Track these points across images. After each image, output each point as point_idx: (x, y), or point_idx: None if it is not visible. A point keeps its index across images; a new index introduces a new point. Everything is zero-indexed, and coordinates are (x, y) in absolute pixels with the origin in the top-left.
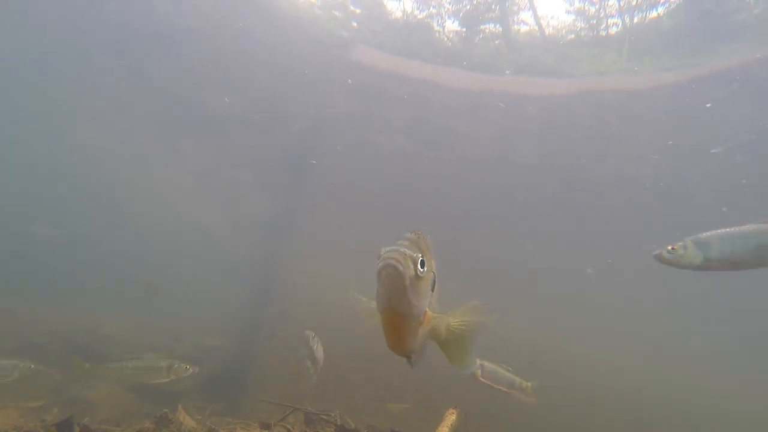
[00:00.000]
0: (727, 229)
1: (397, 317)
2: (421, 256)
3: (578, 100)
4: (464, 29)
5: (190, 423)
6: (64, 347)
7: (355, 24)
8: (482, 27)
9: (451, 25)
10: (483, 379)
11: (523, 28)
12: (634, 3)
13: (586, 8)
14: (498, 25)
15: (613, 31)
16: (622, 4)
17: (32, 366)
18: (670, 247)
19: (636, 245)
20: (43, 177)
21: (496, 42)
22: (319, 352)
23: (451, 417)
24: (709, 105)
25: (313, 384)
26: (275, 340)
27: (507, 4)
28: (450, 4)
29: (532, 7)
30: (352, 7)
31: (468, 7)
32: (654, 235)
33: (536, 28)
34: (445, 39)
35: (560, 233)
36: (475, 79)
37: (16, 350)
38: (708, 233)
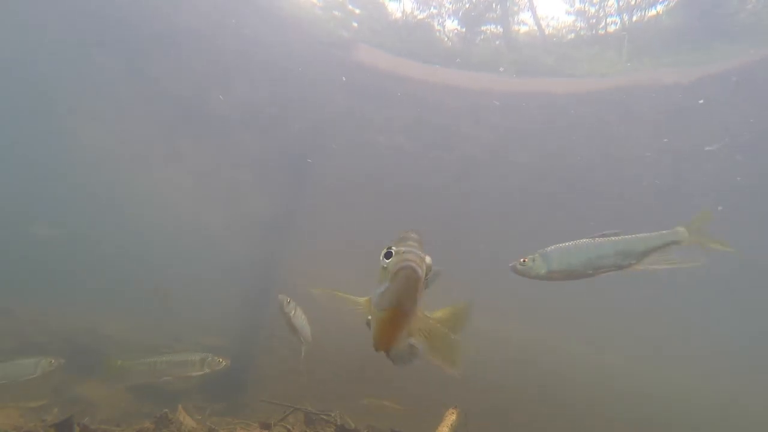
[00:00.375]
0: (566, 244)
1: (401, 316)
2: (428, 258)
3: (578, 100)
4: (464, 29)
5: (190, 423)
6: (64, 347)
7: (355, 24)
8: (482, 27)
9: (451, 25)
10: None
11: (523, 28)
12: (633, 2)
13: (586, 8)
14: (498, 26)
15: (612, 29)
16: (621, 3)
17: (53, 361)
18: (522, 260)
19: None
20: (43, 177)
21: (496, 42)
22: (299, 320)
23: (451, 417)
24: (701, 101)
25: (303, 359)
26: (275, 340)
27: (507, 4)
28: (450, 4)
29: (532, 7)
30: (352, 7)
31: (468, 6)
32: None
33: (536, 28)
34: (445, 39)
35: (560, 233)
36: (475, 79)
37: (16, 350)
38: (551, 247)
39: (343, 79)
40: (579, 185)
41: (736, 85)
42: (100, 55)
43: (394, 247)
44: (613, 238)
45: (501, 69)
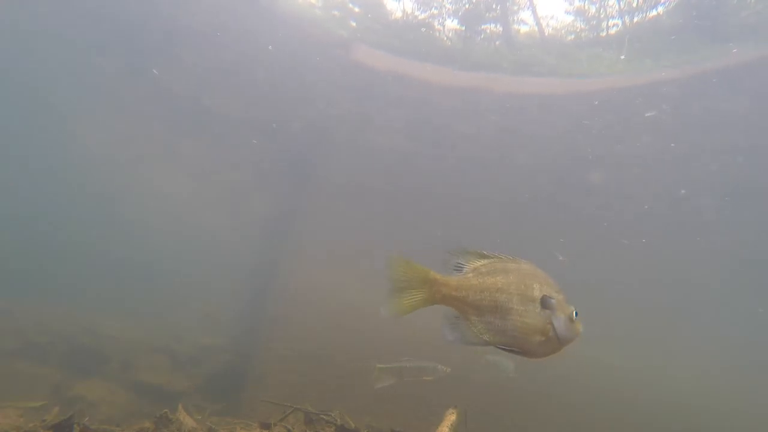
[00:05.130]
0: None
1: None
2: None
3: (578, 100)
4: (464, 29)
5: (190, 423)
6: (64, 347)
7: (354, 23)
8: (482, 26)
9: (451, 25)
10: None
11: (523, 28)
12: (634, 5)
13: (586, 8)
14: (498, 25)
15: (613, 31)
16: (622, 5)
17: (447, 369)
18: None
19: (636, 245)
20: (43, 177)
21: (497, 42)
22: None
23: (451, 417)
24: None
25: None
26: (275, 340)
27: (507, 4)
28: (450, 4)
29: (532, 7)
30: (351, 6)
31: (468, 6)
32: (655, 235)
33: (536, 28)
34: (445, 39)
35: (559, 233)
36: (475, 79)
37: (16, 350)
38: None
39: (344, 80)
40: (579, 185)
41: (736, 88)
42: (100, 56)
43: (576, 311)
44: None
45: (501, 69)
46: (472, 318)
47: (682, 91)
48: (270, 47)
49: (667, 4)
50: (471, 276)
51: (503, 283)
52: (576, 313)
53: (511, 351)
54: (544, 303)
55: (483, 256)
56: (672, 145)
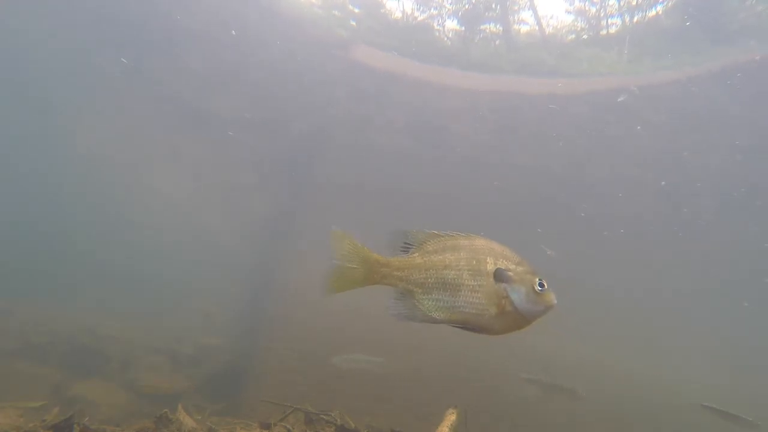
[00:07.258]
0: None
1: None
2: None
3: (578, 100)
4: (464, 29)
5: (190, 423)
6: (64, 347)
7: (354, 23)
8: (482, 26)
9: (451, 25)
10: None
11: (524, 28)
12: (634, 3)
13: (587, 8)
14: (498, 25)
15: (613, 30)
16: (621, 3)
17: (584, 394)
18: None
19: (637, 245)
20: (43, 178)
21: (496, 42)
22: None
23: (451, 417)
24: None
25: None
26: (275, 340)
27: (507, 3)
28: (450, 4)
29: (533, 7)
30: (351, 7)
31: (468, 6)
32: (655, 235)
33: (536, 27)
34: (445, 39)
35: (559, 234)
36: (475, 79)
37: (16, 350)
38: None
39: (345, 80)
40: (579, 185)
41: (736, 88)
42: (100, 56)
43: (545, 282)
44: None
45: (501, 69)
46: (419, 296)
47: (681, 90)
48: (233, 32)
49: (666, 3)
50: (417, 255)
51: (451, 260)
52: (542, 284)
53: (465, 329)
54: (498, 276)
55: (434, 236)
56: (668, 142)
